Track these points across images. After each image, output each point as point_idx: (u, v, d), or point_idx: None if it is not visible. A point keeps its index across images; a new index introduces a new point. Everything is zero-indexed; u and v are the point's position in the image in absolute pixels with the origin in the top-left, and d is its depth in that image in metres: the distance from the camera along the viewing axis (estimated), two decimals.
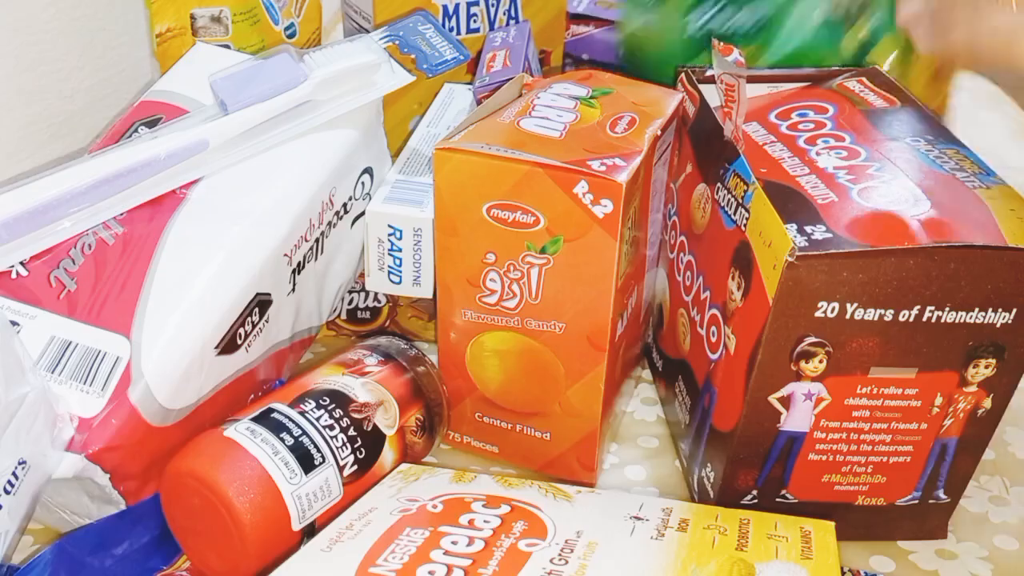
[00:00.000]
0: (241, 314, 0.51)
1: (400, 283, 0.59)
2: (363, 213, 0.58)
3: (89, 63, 0.73)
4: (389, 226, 0.57)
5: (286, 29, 0.74)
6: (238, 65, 0.57)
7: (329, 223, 0.57)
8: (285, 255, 0.54)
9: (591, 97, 0.56)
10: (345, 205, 0.58)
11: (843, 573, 0.49)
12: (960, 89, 1.09)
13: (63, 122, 0.72)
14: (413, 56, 0.60)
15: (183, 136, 0.53)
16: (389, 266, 0.59)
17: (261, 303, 0.53)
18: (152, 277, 0.50)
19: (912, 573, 0.52)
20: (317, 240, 0.57)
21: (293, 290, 0.56)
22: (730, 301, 0.48)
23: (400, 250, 0.58)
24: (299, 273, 0.56)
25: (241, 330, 0.51)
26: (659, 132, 0.53)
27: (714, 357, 0.50)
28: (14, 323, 0.49)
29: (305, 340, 0.60)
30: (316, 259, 0.57)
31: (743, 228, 0.47)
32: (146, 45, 0.71)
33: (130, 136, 0.56)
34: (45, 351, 0.48)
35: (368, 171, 0.60)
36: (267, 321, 0.54)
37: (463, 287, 0.53)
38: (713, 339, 0.51)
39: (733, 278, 0.48)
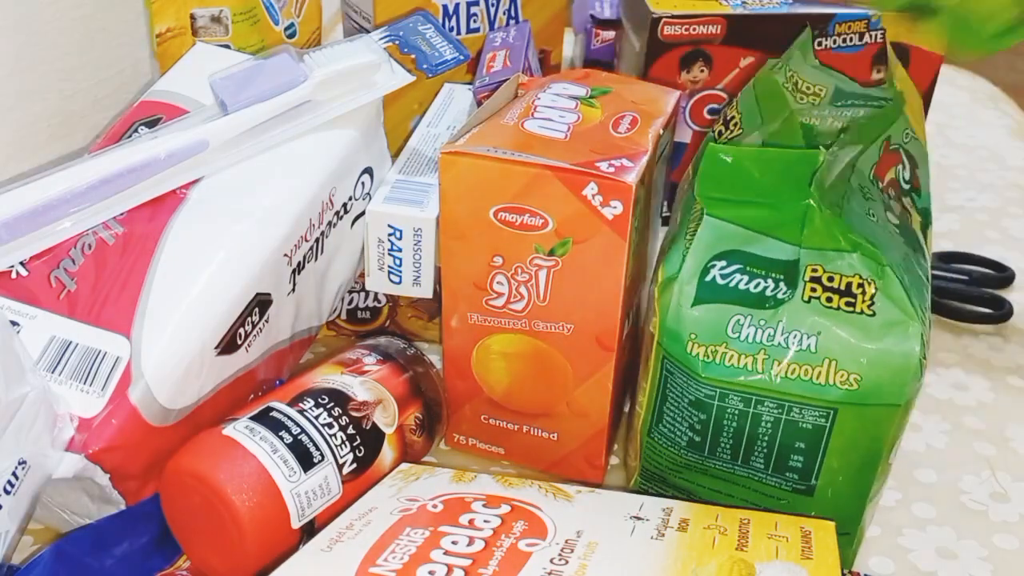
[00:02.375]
0: (241, 314, 0.51)
1: (400, 283, 0.59)
2: (363, 213, 0.58)
3: (89, 63, 0.73)
4: (389, 226, 0.57)
5: (286, 29, 0.74)
6: (238, 65, 0.57)
7: (329, 223, 0.57)
8: (285, 255, 0.54)
9: (591, 97, 0.56)
10: (345, 205, 0.58)
11: (842, 573, 0.49)
12: (960, 89, 1.09)
13: (63, 122, 0.72)
14: (413, 56, 0.60)
15: (183, 136, 0.53)
16: (389, 266, 0.59)
17: (261, 303, 0.53)
18: (152, 277, 0.50)
19: (911, 573, 0.52)
20: (317, 240, 0.57)
21: (293, 290, 0.56)
22: None
23: (400, 250, 0.58)
24: (299, 273, 0.56)
25: (241, 330, 0.51)
26: (660, 131, 0.53)
27: None
28: (14, 323, 0.49)
29: (305, 340, 0.60)
30: (316, 259, 0.57)
31: None
32: (146, 45, 0.71)
33: (130, 136, 0.56)
34: (45, 351, 0.48)
35: (368, 171, 0.60)
36: (267, 321, 0.54)
37: (469, 290, 0.53)
38: None
39: None
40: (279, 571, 0.40)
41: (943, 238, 0.82)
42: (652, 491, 0.53)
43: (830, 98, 0.57)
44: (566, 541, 0.41)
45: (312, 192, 0.55)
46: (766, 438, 0.47)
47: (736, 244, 0.47)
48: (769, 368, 0.45)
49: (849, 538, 0.50)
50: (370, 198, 0.59)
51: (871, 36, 0.73)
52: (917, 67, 0.74)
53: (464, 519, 0.42)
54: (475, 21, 0.74)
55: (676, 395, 0.48)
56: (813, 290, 0.46)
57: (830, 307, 0.45)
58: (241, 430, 0.47)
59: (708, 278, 0.47)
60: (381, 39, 0.60)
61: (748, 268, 0.47)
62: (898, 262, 0.47)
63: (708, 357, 0.46)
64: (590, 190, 0.48)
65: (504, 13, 0.75)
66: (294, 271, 0.55)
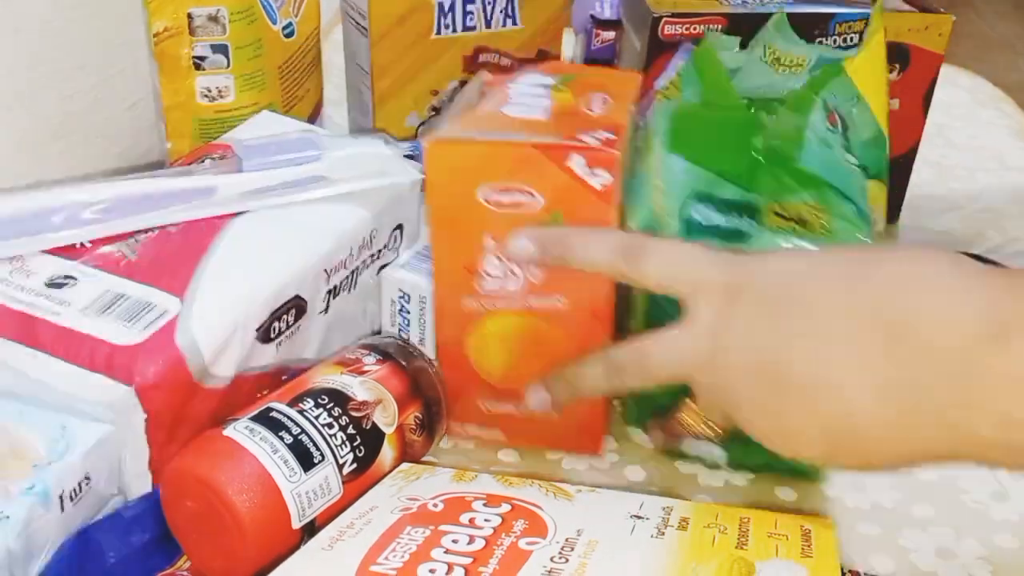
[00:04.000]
0: (280, 308, 0.53)
1: None
2: (385, 265, 0.62)
3: (89, 63, 0.73)
4: (399, 289, 0.60)
5: (284, 28, 0.74)
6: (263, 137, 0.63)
7: (364, 261, 0.60)
8: (324, 270, 0.56)
9: (559, 84, 0.57)
10: (380, 251, 0.61)
11: (842, 572, 0.49)
12: (960, 88, 1.09)
13: (63, 122, 0.72)
14: None
15: (199, 179, 0.58)
16: (399, 324, 0.62)
17: (298, 307, 0.55)
18: (209, 260, 0.53)
19: (911, 573, 0.52)
20: (352, 272, 0.59)
21: (325, 310, 0.57)
22: None
23: (408, 312, 0.61)
24: (334, 297, 0.58)
25: (276, 324, 0.53)
26: (633, 108, 0.56)
27: None
28: (71, 276, 0.51)
29: None
30: (349, 291, 0.59)
31: None
32: (145, 45, 0.71)
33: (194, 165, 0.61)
34: (98, 298, 0.50)
35: (400, 228, 0.62)
36: (298, 328, 0.55)
37: (462, 275, 0.53)
38: None
39: None
40: (280, 569, 0.40)
41: (943, 237, 0.82)
42: (640, 412, 0.58)
43: (810, 68, 0.62)
44: (566, 540, 0.41)
45: (355, 223, 0.58)
46: None
47: (707, 188, 0.53)
48: None
49: None
50: (398, 255, 0.63)
51: None
52: (917, 67, 0.74)
53: (465, 518, 0.43)
54: (471, 20, 0.74)
55: (663, 322, 0.51)
56: (776, 221, 0.52)
57: (792, 235, 0.51)
58: (241, 431, 0.47)
59: (687, 216, 0.52)
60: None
61: (720, 208, 0.52)
62: (855, 188, 0.54)
63: None
64: (577, 163, 0.49)
65: (501, 12, 0.75)
66: (329, 292, 0.57)
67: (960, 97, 1.06)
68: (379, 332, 0.64)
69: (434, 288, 0.56)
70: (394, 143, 0.64)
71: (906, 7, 0.75)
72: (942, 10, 0.74)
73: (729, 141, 0.53)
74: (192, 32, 0.69)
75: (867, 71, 0.61)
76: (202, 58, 0.70)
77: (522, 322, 0.54)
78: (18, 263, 0.52)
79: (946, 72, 1.11)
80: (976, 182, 0.90)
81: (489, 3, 0.74)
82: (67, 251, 0.53)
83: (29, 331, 0.48)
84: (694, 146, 0.53)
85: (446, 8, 0.73)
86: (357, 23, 0.73)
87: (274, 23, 0.73)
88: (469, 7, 0.73)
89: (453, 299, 0.54)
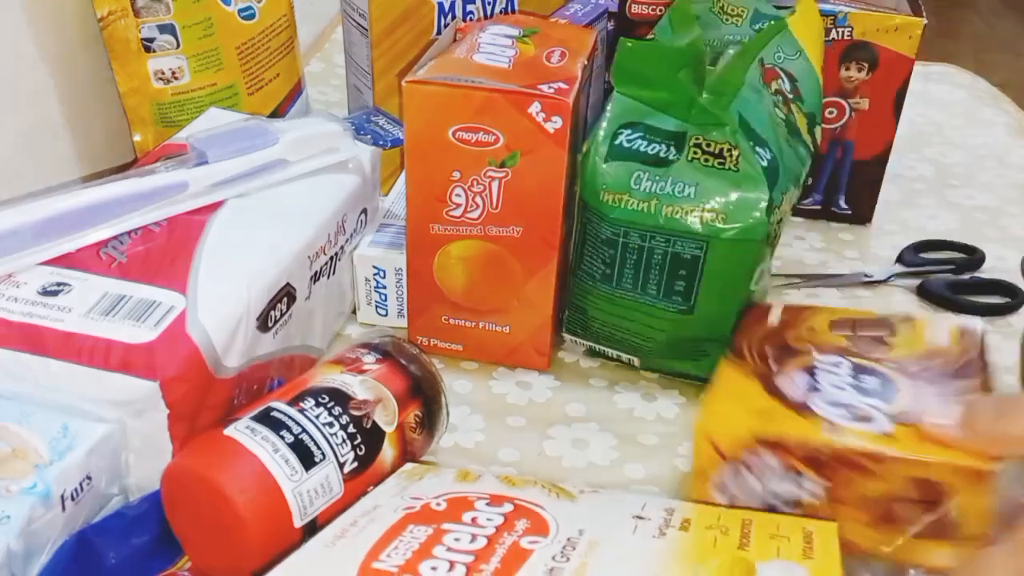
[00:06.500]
0: (275, 296, 0.54)
1: (387, 315, 0.67)
2: (356, 247, 0.65)
3: (89, 63, 0.73)
4: (373, 267, 0.65)
5: (242, 11, 0.73)
6: (217, 127, 0.62)
7: (341, 247, 0.62)
8: (308, 257, 0.58)
9: (524, 36, 0.63)
10: (352, 235, 0.64)
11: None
12: (959, 87, 1.09)
13: (64, 122, 0.72)
14: (369, 136, 0.68)
15: (168, 176, 0.57)
16: (376, 301, 0.66)
17: (289, 294, 0.56)
18: (200, 254, 0.53)
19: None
20: (331, 258, 0.61)
21: (308, 296, 0.59)
22: None
23: (385, 287, 0.65)
24: (315, 282, 0.59)
25: (273, 312, 0.54)
26: (585, 62, 0.62)
27: None
28: (64, 284, 0.51)
29: (305, 363, 0.61)
30: (329, 277, 0.61)
31: None
32: None
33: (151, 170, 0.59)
34: (99, 302, 0.50)
35: (365, 211, 0.66)
36: (290, 316, 0.56)
37: (432, 204, 0.59)
38: None
39: None
40: (283, 566, 0.40)
41: (942, 236, 0.82)
42: (577, 322, 0.63)
43: (750, 19, 0.69)
44: (568, 539, 0.41)
45: (330, 211, 0.60)
46: (657, 267, 0.58)
47: (638, 117, 0.58)
48: (660, 210, 0.57)
49: (720, 345, 0.56)
50: (364, 236, 0.66)
51: (838, 32, 0.74)
52: (886, 69, 0.74)
53: (467, 517, 0.43)
54: (471, 19, 0.74)
55: (592, 237, 0.59)
56: (695, 153, 0.57)
57: (707, 165, 0.56)
58: (242, 430, 0.47)
59: (617, 142, 0.58)
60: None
61: (647, 136, 0.58)
62: (771, 139, 0.58)
63: (615, 203, 0.57)
64: (535, 108, 0.56)
65: (501, 11, 0.75)
66: (312, 278, 0.59)
67: (959, 96, 1.06)
68: (353, 312, 0.68)
69: (407, 214, 0.61)
70: (338, 119, 0.66)
71: (878, 7, 0.74)
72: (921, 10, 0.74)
73: (673, 75, 0.57)
74: (137, 13, 0.68)
75: (803, 26, 0.67)
76: (150, 39, 0.69)
77: (481, 247, 0.60)
78: (5, 275, 0.52)
79: (946, 71, 1.12)
80: (975, 180, 0.90)
81: (489, 3, 0.74)
82: (54, 258, 0.52)
83: (33, 340, 0.48)
84: (637, 79, 0.58)
85: (446, 8, 0.73)
86: (357, 23, 0.73)
87: (227, 4, 0.72)
88: (469, 7, 0.73)
89: (423, 225, 0.60)
